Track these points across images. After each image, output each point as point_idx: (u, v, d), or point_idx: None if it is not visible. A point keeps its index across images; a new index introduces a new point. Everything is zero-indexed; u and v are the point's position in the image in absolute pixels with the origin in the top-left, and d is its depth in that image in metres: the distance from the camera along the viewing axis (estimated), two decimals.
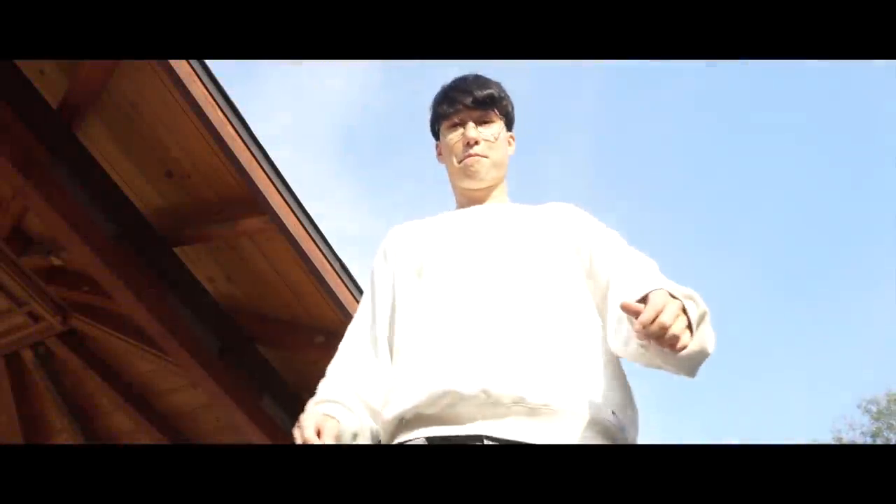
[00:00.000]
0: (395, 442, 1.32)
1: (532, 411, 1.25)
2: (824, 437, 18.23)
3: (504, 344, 1.30)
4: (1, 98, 2.55)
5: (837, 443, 17.69)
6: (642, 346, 1.19)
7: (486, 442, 1.23)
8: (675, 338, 1.11)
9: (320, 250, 2.94)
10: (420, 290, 1.44)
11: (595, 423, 1.27)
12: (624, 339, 1.28)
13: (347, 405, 1.40)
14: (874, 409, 18.59)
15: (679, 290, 1.20)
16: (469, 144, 1.57)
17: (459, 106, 1.59)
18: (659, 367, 1.23)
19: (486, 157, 1.57)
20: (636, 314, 1.13)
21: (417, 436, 1.28)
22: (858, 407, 18.83)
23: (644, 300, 1.16)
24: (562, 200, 1.60)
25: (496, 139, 1.59)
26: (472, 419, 1.26)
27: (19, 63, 2.65)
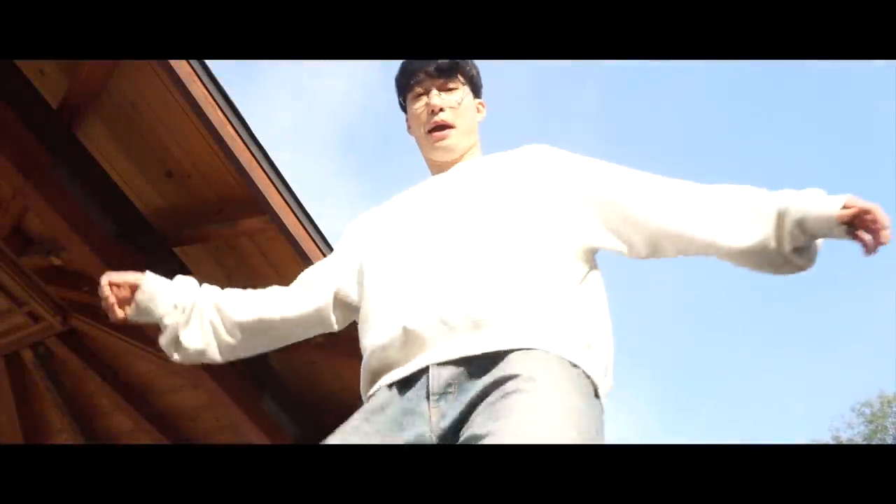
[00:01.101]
0: (368, 395, 1.34)
1: (477, 324, 1.25)
2: (823, 437, 18.27)
3: (455, 272, 1.32)
4: (1, 98, 2.55)
5: (836, 442, 17.72)
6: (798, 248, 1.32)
7: (430, 369, 1.24)
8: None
9: (320, 250, 2.93)
10: (383, 246, 1.47)
11: (551, 332, 1.25)
12: (764, 239, 1.33)
13: (188, 290, 1.51)
14: (868, 412, 18.61)
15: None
16: (433, 112, 1.54)
17: (421, 75, 1.55)
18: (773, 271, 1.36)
19: (452, 126, 1.54)
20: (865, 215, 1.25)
21: (380, 386, 1.31)
22: (853, 410, 18.85)
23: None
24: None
25: (460, 104, 1.55)
26: (425, 351, 1.27)
27: (19, 63, 2.65)
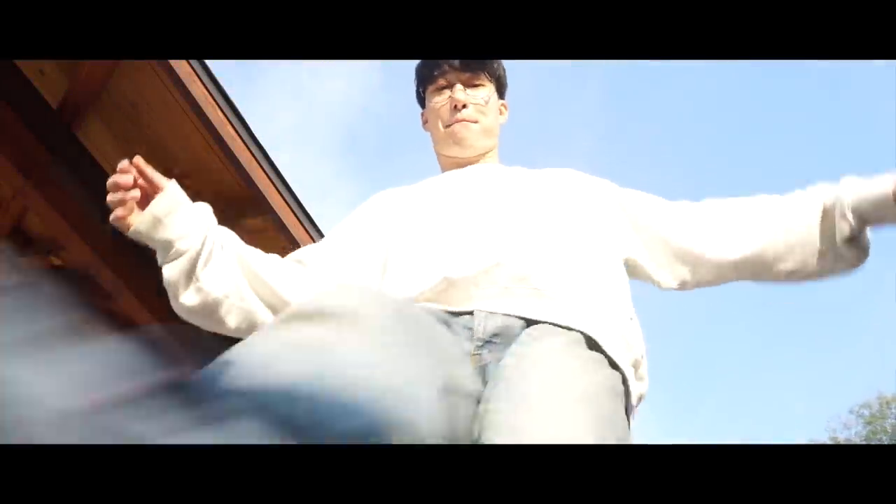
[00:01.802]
0: None
1: (535, 291, 1.13)
2: (821, 438, 18.29)
3: (507, 236, 1.20)
4: (1, 98, 2.55)
5: (834, 442, 17.76)
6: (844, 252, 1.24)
7: (477, 314, 1.09)
8: None
9: None
10: (417, 217, 1.33)
11: (604, 316, 1.13)
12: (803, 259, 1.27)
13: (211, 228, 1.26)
14: (867, 413, 18.63)
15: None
16: (456, 108, 1.43)
17: (445, 67, 1.44)
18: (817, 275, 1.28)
19: (475, 122, 1.43)
20: None
21: None
22: (851, 412, 18.87)
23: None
24: None
25: (486, 103, 1.45)
26: (470, 301, 1.13)
27: (19, 63, 2.65)
